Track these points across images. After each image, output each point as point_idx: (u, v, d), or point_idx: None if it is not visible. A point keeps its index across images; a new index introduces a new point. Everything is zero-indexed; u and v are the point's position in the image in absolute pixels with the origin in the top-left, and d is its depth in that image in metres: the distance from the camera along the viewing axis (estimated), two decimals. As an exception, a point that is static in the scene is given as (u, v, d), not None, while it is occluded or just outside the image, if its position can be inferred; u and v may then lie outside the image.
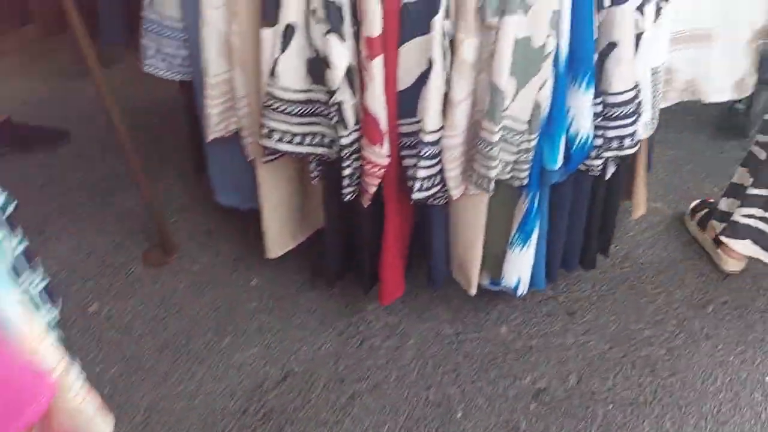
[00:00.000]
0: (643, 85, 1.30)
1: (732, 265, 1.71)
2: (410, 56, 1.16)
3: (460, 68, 1.14)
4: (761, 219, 1.59)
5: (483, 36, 1.13)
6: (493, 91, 1.12)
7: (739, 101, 2.18)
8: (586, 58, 1.19)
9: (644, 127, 1.38)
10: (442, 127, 1.20)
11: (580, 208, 1.48)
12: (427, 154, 1.19)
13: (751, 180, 1.58)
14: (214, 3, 1.26)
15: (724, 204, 1.69)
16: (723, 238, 1.66)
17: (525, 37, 1.12)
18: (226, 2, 1.27)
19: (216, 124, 1.42)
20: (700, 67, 1.52)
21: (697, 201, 1.90)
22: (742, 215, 1.61)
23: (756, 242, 1.62)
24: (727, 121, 2.24)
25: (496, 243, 1.46)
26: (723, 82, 1.55)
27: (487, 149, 1.18)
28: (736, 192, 1.63)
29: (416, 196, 1.24)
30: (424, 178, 1.23)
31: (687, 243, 1.83)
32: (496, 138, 1.16)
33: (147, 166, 1.67)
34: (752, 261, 1.72)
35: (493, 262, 1.50)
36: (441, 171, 1.24)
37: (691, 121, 2.35)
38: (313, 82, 1.24)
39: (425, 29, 1.11)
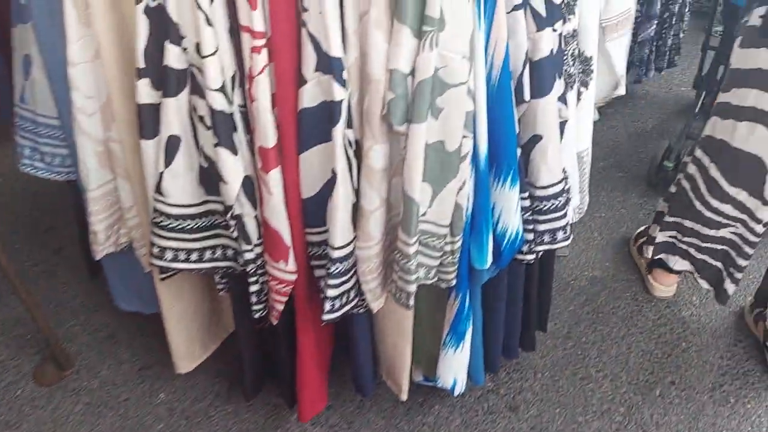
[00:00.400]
0: (570, 172, 1.21)
1: (660, 291, 1.79)
2: (313, 164, 1.03)
3: (368, 176, 1.02)
4: (678, 240, 1.67)
5: (393, 141, 1.01)
6: (406, 201, 1.00)
7: (668, 159, 2.14)
8: (508, 155, 1.09)
9: (573, 212, 1.29)
10: (354, 238, 1.06)
11: (517, 296, 1.37)
12: (335, 271, 1.05)
13: (667, 207, 1.68)
14: (88, 109, 1.10)
15: (652, 230, 1.75)
16: (647, 253, 1.74)
17: (437, 142, 1.00)
18: (102, 107, 1.11)
19: (104, 241, 1.25)
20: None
21: (642, 228, 1.94)
22: (664, 238, 1.70)
23: (683, 258, 1.69)
24: (656, 177, 2.20)
25: (429, 342, 1.34)
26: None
27: (404, 261, 1.05)
28: (659, 219, 1.71)
29: (327, 317, 1.09)
30: (335, 297, 1.09)
31: (628, 316, 1.75)
32: (412, 250, 1.03)
33: (38, 261, 1.47)
34: (691, 330, 1.66)
35: (427, 360, 1.38)
36: (356, 284, 1.11)
37: (622, 178, 2.31)
38: (208, 193, 1.09)
39: (326, 137, 0.99)
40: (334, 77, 0.93)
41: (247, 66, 0.95)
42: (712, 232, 1.56)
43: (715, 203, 1.51)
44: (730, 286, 1.58)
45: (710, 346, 1.66)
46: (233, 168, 1.01)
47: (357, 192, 1.04)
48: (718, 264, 1.60)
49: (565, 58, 1.10)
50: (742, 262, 1.54)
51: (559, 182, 1.13)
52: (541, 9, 1.02)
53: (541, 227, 1.17)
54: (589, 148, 1.26)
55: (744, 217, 1.49)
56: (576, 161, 1.22)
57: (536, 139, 1.10)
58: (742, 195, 1.47)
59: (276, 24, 0.93)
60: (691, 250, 1.64)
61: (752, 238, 1.50)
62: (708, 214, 1.54)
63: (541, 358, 1.62)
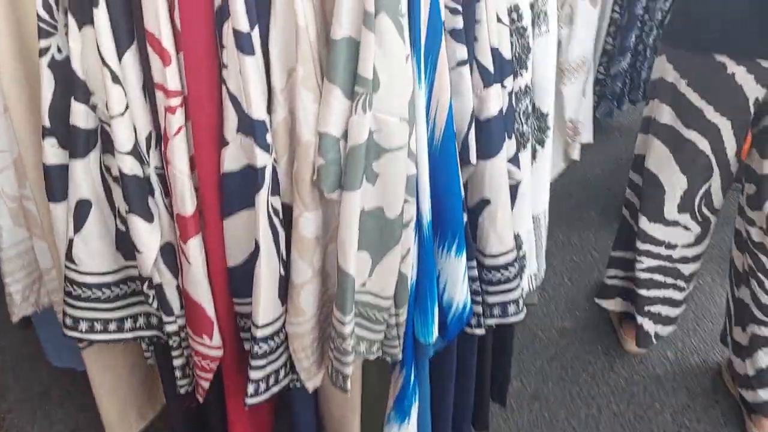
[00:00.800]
0: (526, 237, 1.13)
1: (632, 346, 1.68)
2: (238, 231, 0.94)
3: (299, 246, 0.92)
4: (622, 278, 1.63)
5: (327, 206, 0.92)
6: (340, 274, 0.91)
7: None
8: (453, 221, 1.00)
9: (530, 279, 1.20)
10: (284, 313, 0.97)
11: (468, 371, 1.27)
12: (259, 352, 0.95)
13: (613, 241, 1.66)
14: (-2, 164, 1.00)
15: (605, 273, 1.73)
16: (596, 300, 1.72)
17: (376, 208, 0.91)
18: (15, 162, 1.01)
19: (20, 302, 1.15)
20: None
21: None
22: (607, 277, 1.68)
23: (624, 299, 1.66)
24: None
25: (377, 414, 1.23)
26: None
27: (340, 341, 0.95)
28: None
29: (250, 401, 0.98)
30: (259, 380, 0.98)
31: (599, 372, 1.66)
32: (347, 330, 0.94)
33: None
34: (665, 390, 1.57)
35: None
36: (287, 363, 1.01)
37: (594, 218, 2.23)
38: (127, 259, 1.00)
39: (250, 203, 0.90)
40: (256, 141, 0.84)
41: (162, 126, 0.86)
42: (645, 263, 1.49)
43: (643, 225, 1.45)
44: (647, 323, 1.52)
45: (686, 408, 1.57)
46: (147, 237, 0.91)
47: (287, 263, 0.95)
48: (645, 300, 1.54)
49: (516, 115, 1.02)
50: (657, 293, 1.48)
51: (510, 251, 1.04)
52: (489, 64, 0.94)
53: (491, 299, 1.08)
54: (546, 210, 1.17)
55: (648, 247, 1.44)
56: (532, 225, 1.14)
57: (484, 203, 1.02)
58: (642, 221, 1.43)
59: (193, 81, 0.85)
60: (631, 286, 1.58)
61: (668, 265, 1.45)
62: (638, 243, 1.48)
63: (504, 422, 1.52)
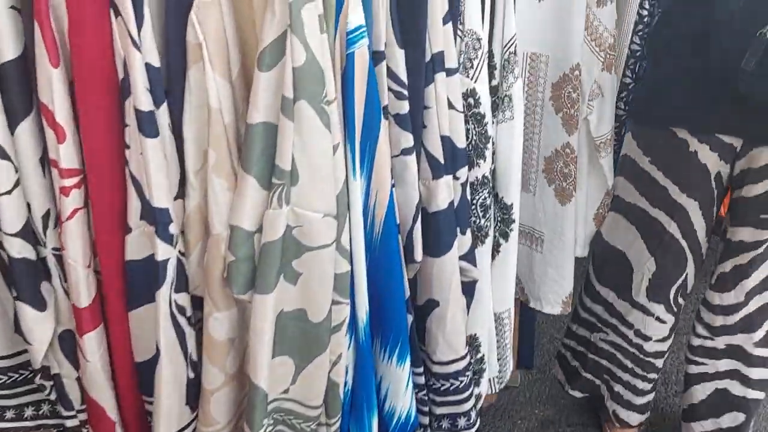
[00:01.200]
0: (485, 339, 1.00)
1: None
2: (144, 324, 0.83)
3: (209, 348, 0.81)
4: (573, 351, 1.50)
5: (243, 306, 0.81)
6: (250, 386, 0.79)
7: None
8: (395, 324, 0.88)
9: (491, 383, 1.07)
10: (193, 421, 0.85)
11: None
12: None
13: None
14: None
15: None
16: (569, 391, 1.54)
17: (297, 310, 0.80)
18: None
19: None
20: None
21: None
22: (563, 345, 1.52)
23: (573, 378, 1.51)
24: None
25: None
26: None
27: (252, 458, 0.83)
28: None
29: None
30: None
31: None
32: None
33: None
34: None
35: None
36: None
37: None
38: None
39: (151, 298, 0.79)
40: (157, 232, 0.74)
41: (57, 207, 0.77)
42: (592, 337, 1.38)
43: (587, 302, 1.35)
44: (614, 406, 1.38)
45: None
46: (38, 327, 0.81)
47: (198, 364, 0.84)
48: (599, 381, 1.41)
49: (473, 208, 0.90)
50: (623, 376, 1.35)
51: (461, 359, 0.92)
52: (439, 154, 0.83)
53: (439, 410, 0.95)
54: (512, 308, 1.04)
55: (614, 321, 1.31)
56: (493, 325, 1.01)
57: (432, 305, 0.90)
58: (610, 295, 1.30)
59: (93, 160, 0.75)
60: (580, 363, 1.45)
61: (628, 347, 1.31)
62: (583, 314, 1.37)
63: None
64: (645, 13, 1.35)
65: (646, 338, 1.32)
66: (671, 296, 1.26)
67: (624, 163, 1.23)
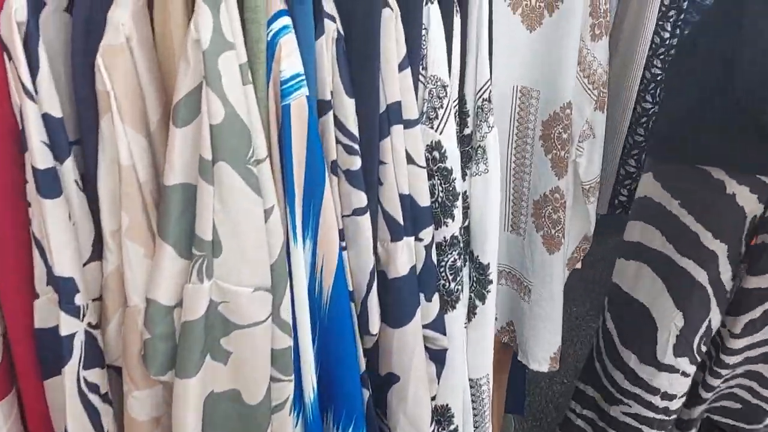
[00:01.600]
0: (459, 409, 0.89)
1: None
2: (59, 397, 0.74)
3: (130, 429, 0.71)
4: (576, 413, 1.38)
5: (166, 384, 0.71)
6: (172, 476, 0.69)
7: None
8: (348, 398, 0.78)
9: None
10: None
11: None
12: None
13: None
14: None
15: None
16: None
17: (230, 391, 0.70)
18: None
19: None
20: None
21: None
22: (571, 410, 1.40)
23: None
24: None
25: None
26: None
27: None
28: None
29: None
30: None
31: None
32: None
33: None
34: None
35: None
36: None
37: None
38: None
39: (58, 372, 0.69)
40: (61, 303, 0.64)
41: (-46, 269, 0.67)
42: (611, 411, 1.25)
43: (609, 366, 1.23)
44: None
45: None
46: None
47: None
48: None
49: (441, 271, 0.79)
50: None
51: (424, 439, 0.81)
52: (397, 214, 0.72)
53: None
54: (490, 374, 0.93)
55: (637, 391, 1.18)
56: (468, 393, 0.90)
57: (392, 379, 0.79)
58: (632, 359, 1.18)
59: (-7, 218, 0.65)
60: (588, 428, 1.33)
61: (656, 416, 1.19)
62: (603, 380, 1.25)
63: None
64: (666, 35, 1.22)
65: (672, 397, 1.20)
66: (695, 346, 1.15)
67: (643, 206, 1.10)
